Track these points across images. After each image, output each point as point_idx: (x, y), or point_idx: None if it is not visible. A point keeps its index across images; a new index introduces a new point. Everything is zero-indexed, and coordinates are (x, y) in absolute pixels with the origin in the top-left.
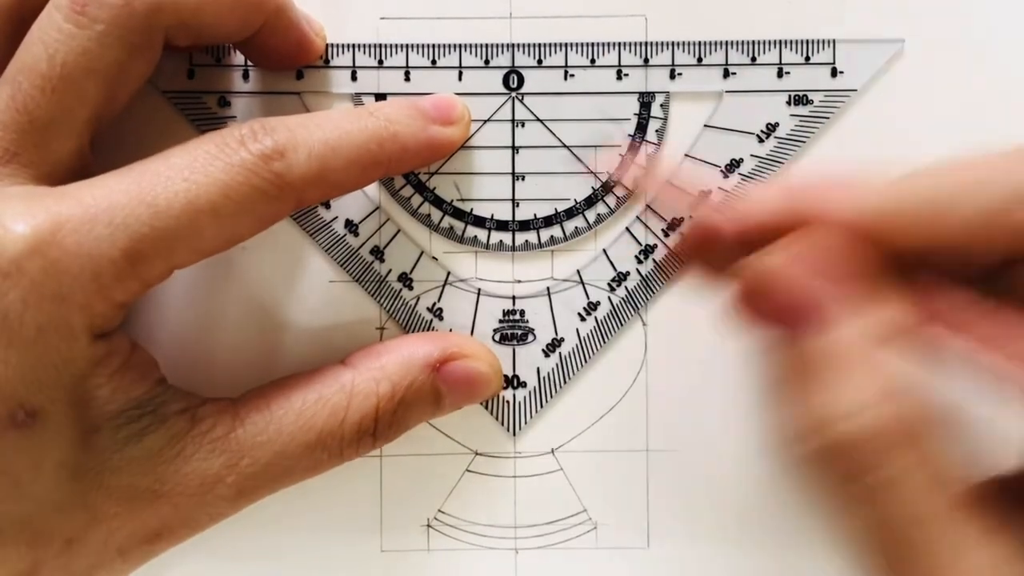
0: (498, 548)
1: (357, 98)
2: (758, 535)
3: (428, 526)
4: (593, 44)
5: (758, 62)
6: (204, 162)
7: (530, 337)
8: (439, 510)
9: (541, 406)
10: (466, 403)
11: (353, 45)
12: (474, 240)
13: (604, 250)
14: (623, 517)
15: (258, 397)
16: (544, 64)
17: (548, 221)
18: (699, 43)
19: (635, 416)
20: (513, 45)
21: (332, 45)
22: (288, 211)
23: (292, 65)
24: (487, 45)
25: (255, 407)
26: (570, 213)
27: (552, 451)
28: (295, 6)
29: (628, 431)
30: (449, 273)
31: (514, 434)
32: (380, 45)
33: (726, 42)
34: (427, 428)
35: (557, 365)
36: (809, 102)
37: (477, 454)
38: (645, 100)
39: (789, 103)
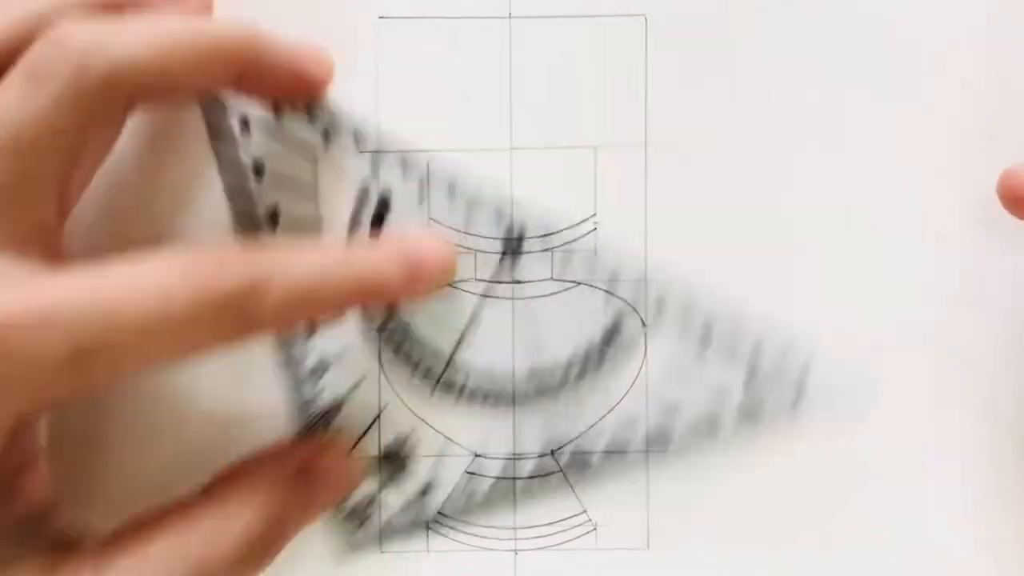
0: (497, 549)
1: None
2: (758, 536)
3: (427, 527)
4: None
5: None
6: (173, 278)
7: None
8: (438, 511)
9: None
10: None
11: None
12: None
13: None
14: (623, 518)
15: (130, 540)
16: None
17: None
18: None
19: (635, 416)
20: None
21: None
22: (244, 342)
23: (294, 100)
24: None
25: (125, 554)
26: None
27: (552, 452)
28: (278, 45)
29: (628, 431)
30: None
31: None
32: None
33: None
34: (427, 428)
35: None
36: None
37: (476, 455)
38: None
39: None
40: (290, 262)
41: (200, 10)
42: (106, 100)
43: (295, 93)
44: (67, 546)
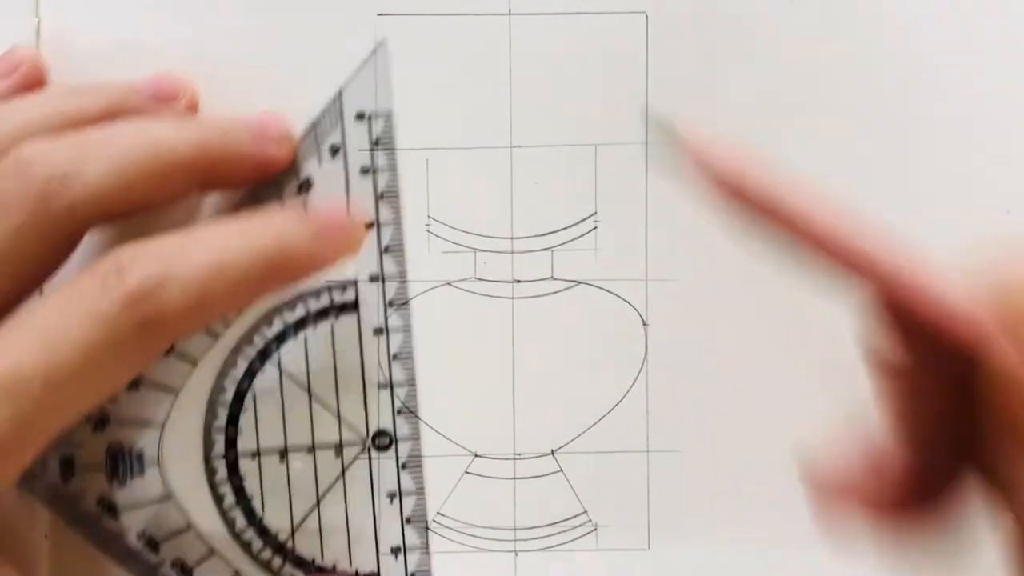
0: (498, 550)
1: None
2: (759, 536)
3: (427, 528)
4: None
5: None
6: (59, 325)
7: None
8: (438, 512)
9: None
10: None
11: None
12: None
13: None
14: (624, 519)
15: None
16: None
17: None
18: None
19: (635, 416)
20: None
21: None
22: (167, 346)
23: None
24: None
25: None
26: None
27: (552, 452)
28: (237, 139)
29: (628, 432)
30: None
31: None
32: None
33: None
34: (426, 429)
35: None
36: None
37: (476, 456)
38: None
39: None
40: (186, 247)
41: (186, 112)
42: (66, 232)
43: (261, 177)
44: None
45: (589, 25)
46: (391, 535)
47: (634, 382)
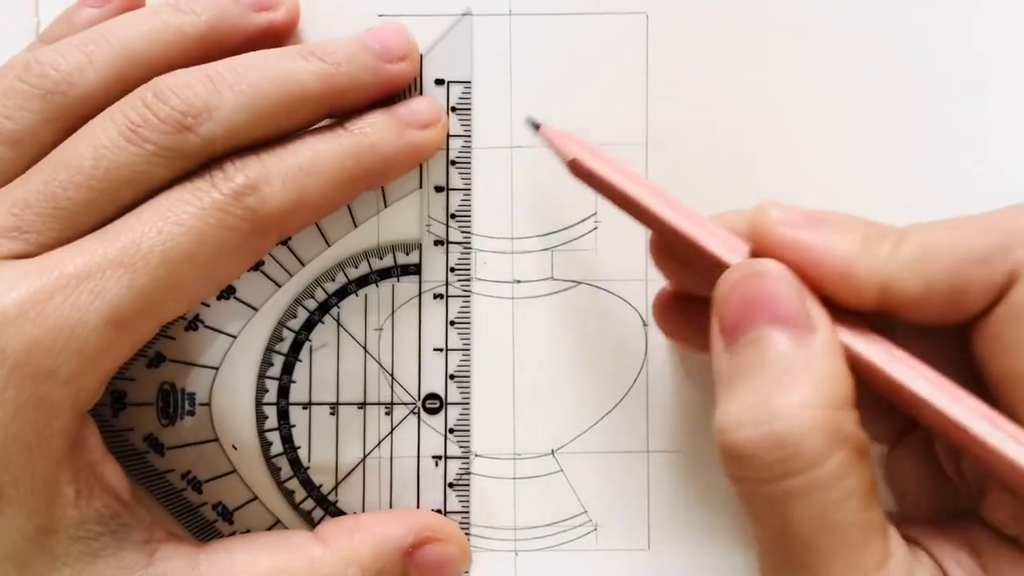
0: (498, 550)
1: None
2: None
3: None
4: None
5: None
6: (176, 210)
7: None
8: (438, 512)
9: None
10: None
11: None
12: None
13: None
14: (624, 518)
15: (223, 552)
16: None
17: None
18: None
19: (635, 416)
20: None
21: None
22: (272, 244)
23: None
24: None
25: (217, 562)
26: None
27: (552, 452)
28: (359, 64)
29: (628, 432)
30: None
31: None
32: None
33: None
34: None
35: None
36: None
37: (476, 455)
38: None
39: None
40: (279, 152)
41: (285, 22)
42: (196, 162)
43: (387, 95)
44: (159, 539)
45: (589, 25)
46: (433, 498)
47: (634, 382)
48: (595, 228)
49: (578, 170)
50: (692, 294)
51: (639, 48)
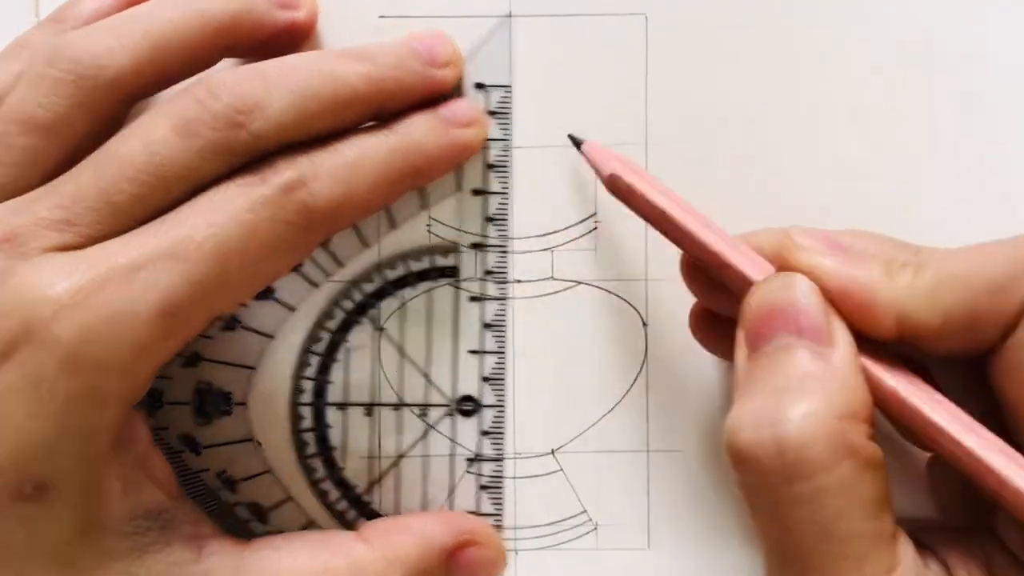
0: None
1: None
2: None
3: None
4: None
5: None
6: (227, 204)
7: None
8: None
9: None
10: None
11: None
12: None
13: None
14: (624, 518)
15: (268, 550)
16: None
17: None
18: None
19: (635, 416)
20: None
21: None
22: (320, 239)
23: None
24: None
25: (263, 559)
26: None
27: (552, 451)
28: (405, 68)
29: (628, 431)
30: None
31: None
32: None
33: None
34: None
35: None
36: None
37: (476, 455)
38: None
39: None
40: (328, 149)
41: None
42: (245, 156)
43: (430, 99)
44: (205, 534)
45: (589, 26)
46: (466, 500)
47: (634, 382)
48: (595, 228)
49: (617, 186)
50: (719, 314)
51: (639, 49)
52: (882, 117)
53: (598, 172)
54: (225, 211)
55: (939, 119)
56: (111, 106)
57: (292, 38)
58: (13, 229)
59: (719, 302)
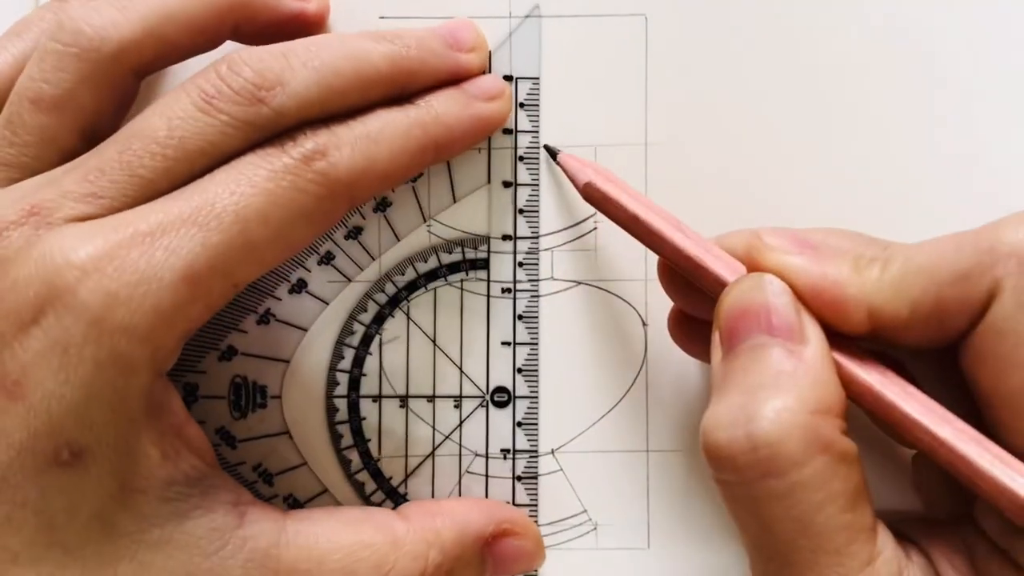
0: None
1: None
2: None
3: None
4: None
5: None
6: (248, 172)
7: None
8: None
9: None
10: None
11: None
12: None
13: None
14: (624, 518)
15: (308, 521)
16: None
17: None
18: None
19: (635, 416)
20: None
21: None
22: (342, 210)
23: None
24: None
25: (303, 531)
26: None
27: (552, 451)
28: (428, 49)
29: (628, 431)
30: None
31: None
32: None
33: None
34: (426, 429)
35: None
36: None
37: (476, 455)
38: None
39: None
40: (348, 120)
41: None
42: (268, 132)
43: (455, 83)
44: (246, 501)
45: (589, 27)
46: (501, 491)
47: (633, 382)
48: (595, 228)
49: (592, 194)
50: (696, 317)
51: (638, 49)
52: (882, 117)
53: (573, 181)
54: (247, 180)
55: (939, 120)
56: (118, 79)
57: (299, 30)
58: (39, 202)
59: (696, 305)
